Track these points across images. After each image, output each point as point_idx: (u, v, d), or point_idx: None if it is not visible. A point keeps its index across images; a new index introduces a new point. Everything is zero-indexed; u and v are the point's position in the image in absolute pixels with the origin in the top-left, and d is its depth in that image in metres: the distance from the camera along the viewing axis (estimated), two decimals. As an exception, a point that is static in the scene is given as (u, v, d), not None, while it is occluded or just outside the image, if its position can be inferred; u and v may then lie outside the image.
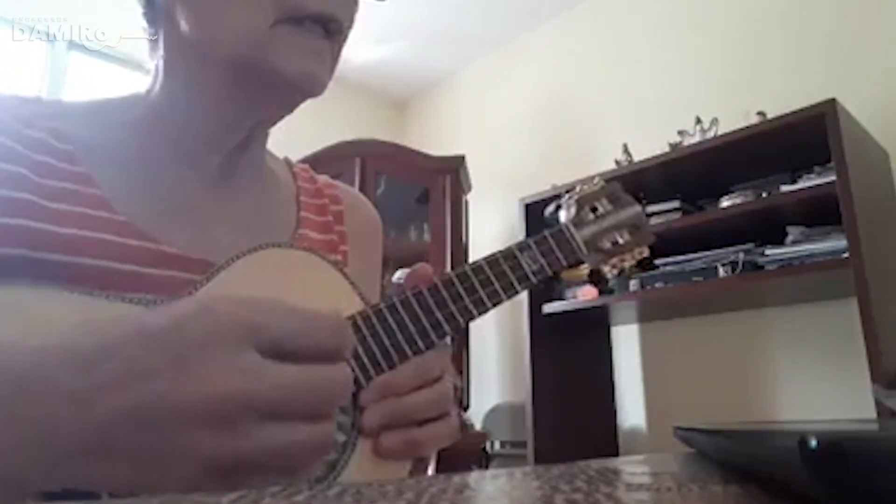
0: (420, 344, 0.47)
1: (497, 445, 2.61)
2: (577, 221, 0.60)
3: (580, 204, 0.61)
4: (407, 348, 0.47)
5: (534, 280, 0.54)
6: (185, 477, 0.30)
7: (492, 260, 0.52)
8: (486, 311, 0.51)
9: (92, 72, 2.75)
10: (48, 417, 0.29)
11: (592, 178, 0.66)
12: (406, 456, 0.45)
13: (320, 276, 0.48)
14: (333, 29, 0.50)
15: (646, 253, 0.64)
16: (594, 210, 0.62)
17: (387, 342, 0.46)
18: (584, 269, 2.13)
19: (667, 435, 0.63)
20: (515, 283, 0.53)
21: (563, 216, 0.62)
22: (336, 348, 0.35)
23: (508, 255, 0.53)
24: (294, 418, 0.32)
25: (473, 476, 0.29)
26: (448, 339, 0.50)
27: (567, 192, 0.64)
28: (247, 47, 0.48)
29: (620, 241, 0.62)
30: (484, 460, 2.44)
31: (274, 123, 0.58)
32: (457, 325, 0.49)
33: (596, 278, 2.23)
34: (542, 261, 0.55)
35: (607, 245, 0.61)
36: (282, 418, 0.32)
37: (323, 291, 0.47)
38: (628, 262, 0.63)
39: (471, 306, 0.50)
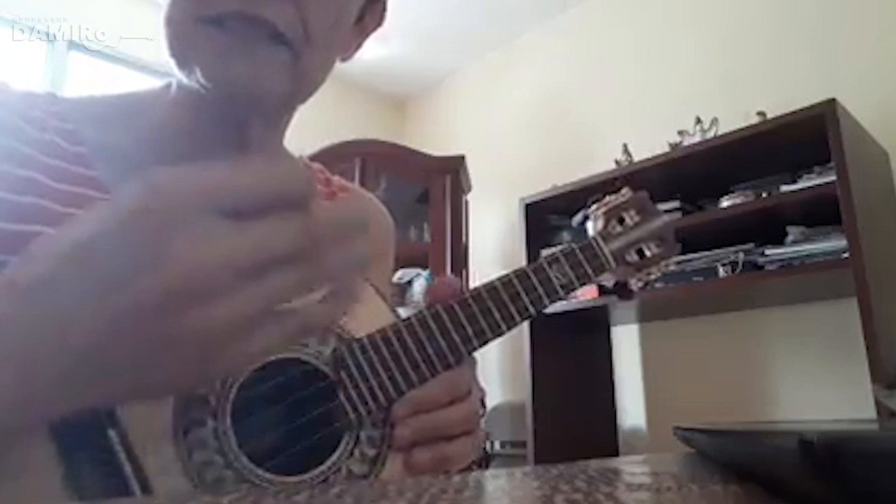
0: (451, 358, 0.47)
1: (497, 445, 2.61)
2: (606, 234, 0.59)
3: (608, 216, 0.61)
4: (437, 362, 0.46)
5: (562, 294, 0.53)
6: (189, 363, 0.29)
7: (521, 273, 0.52)
8: (515, 325, 0.50)
9: (92, 72, 2.75)
10: (27, 353, 0.28)
11: (620, 188, 0.65)
12: (435, 471, 0.45)
13: None
14: (263, 33, 0.45)
15: (672, 266, 0.63)
16: (621, 221, 0.61)
17: (417, 356, 0.46)
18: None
19: (667, 435, 0.63)
20: (544, 297, 0.52)
21: (590, 228, 0.61)
22: (299, 194, 0.32)
23: (538, 268, 0.53)
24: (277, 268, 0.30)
25: (473, 476, 0.29)
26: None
27: (594, 202, 0.62)
28: (177, 45, 0.47)
29: (647, 253, 0.61)
30: (484, 460, 2.44)
31: (276, 126, 0.56)
32: (486, 341, 0.48)
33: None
34: (571, 274, 0.54)
35: (634, 258, 0.60)
36: (266, 271, 0.30)
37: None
38: (654, 275, 0.62)
39: (501, 322, 0.49)
